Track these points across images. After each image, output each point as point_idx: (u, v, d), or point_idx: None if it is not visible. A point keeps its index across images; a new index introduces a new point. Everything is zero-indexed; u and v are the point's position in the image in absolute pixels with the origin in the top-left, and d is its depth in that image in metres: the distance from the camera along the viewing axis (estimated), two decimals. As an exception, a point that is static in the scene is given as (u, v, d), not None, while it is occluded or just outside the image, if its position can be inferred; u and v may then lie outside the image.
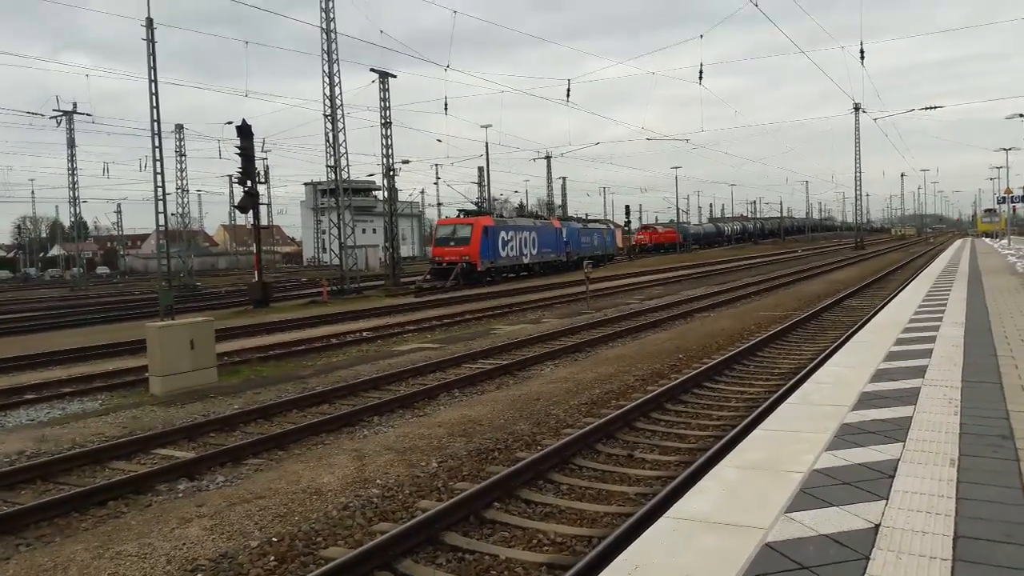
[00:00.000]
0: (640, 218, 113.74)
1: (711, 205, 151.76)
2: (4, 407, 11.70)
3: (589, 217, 67.78)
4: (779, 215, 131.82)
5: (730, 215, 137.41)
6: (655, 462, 7.72)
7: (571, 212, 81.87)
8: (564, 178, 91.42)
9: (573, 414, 9.78)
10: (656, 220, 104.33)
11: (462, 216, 41.18)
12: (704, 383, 11.25)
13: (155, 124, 27.27)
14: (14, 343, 20.45)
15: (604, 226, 61.68)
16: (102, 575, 5.33)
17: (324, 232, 74.61)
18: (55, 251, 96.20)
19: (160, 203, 27.99)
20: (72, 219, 57.88)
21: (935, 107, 51.63)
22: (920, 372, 7.80)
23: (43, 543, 6.13)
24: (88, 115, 54.87)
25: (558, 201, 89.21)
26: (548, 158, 76.29)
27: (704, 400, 10.39)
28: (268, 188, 74.47)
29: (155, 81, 27.38)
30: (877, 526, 3.92)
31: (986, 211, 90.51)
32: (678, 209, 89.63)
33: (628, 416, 9.13)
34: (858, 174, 71.94)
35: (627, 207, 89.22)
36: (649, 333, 17.73)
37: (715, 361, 12.52)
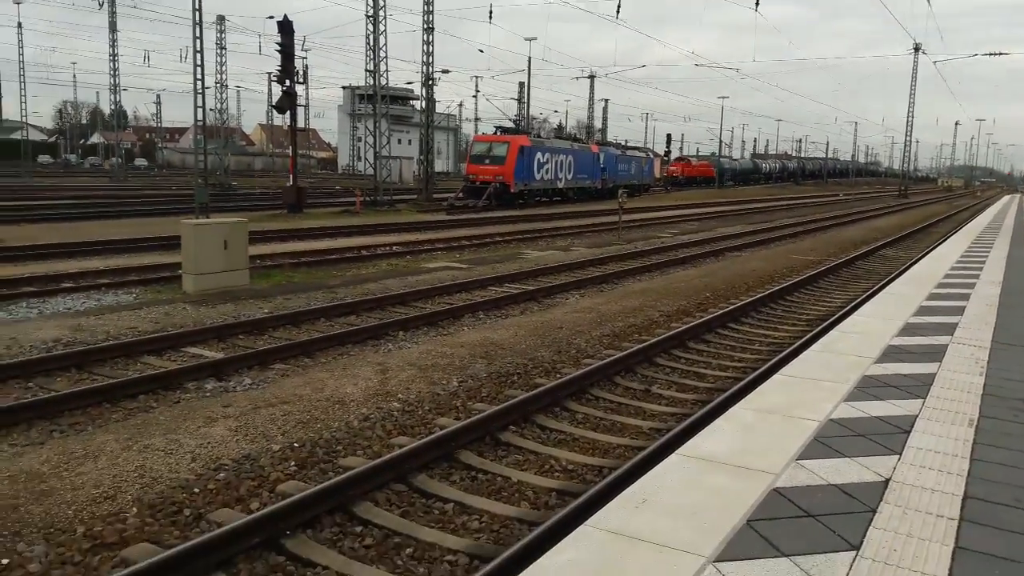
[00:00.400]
0: (681, 148, 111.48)
1: (755, 140, 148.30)
2: (42, 294, 12.05)
3: (628, 144, 66.65)
4: (824, 156, 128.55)
5: (774, 151, 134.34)
6: (672, 399, 7.80)
7: (611, 137, 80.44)
8: (606, 100, 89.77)
9: (595, 345, 9.85)
10: (697, 151, 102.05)
11: (499, 133, 40.66)
12: (729, 324, 11.23)
13: (196, 13, 26.92)
14: (55, 230, 20.90)
15: (643, 154, 60.62)
16: (130, 467, 5.58)
17: (360, 140, 74.35)
18: (95, 139, 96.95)
19: (199, 96, 27.92)
20: (112, 107, 58.01)
21: (1000, 53, 49.40)
22: (950, 329, 7.73)
23: (76, 431, 6.39)
24: (130, -2, 54.09)
25: (598, 124, 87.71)
26: (592, 78, 74.53)
27: (727, 341, 10.39)
28: (307, 89, 73.71)
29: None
30: (887, 480, 3.96)
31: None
32: (720, 141, 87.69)
33: (649, 351, 9.17)
34: (910, 119, 69.50)
35: (668, 136, 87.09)
36: (678, 269, 17.64)
37: (742, 302, 12.46)
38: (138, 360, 8.57)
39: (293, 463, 5.77)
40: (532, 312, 12.01)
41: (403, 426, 6.66)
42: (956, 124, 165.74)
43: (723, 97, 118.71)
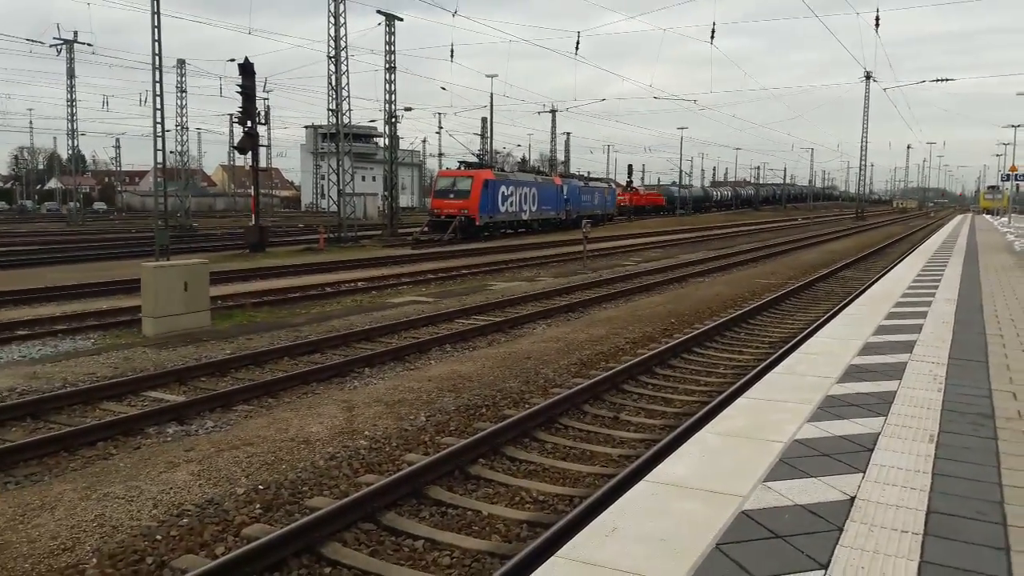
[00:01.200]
0: (643, 178, 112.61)
1: (715, 168, 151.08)
2: (-4, 342, 11.74)
3: (591, 175, 67.37)
4: (782, 181, 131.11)
5: (733, 179, 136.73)
6: (640, 425, 7.81)
7: (574, 169, 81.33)
8: (568, 134, 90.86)
9: (562, 374, 9.85)
10: (659, 181, 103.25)
11: (463, 168, 40.89)
12: (694, 348, 11.33)
13: (156, 58, 26.81)
14: (8, 277, 20.44)
15: (605, 185, 61.35)
16: (88, 516, 5.42)
17: (323, 178, 74.18)
18: (52, 184, 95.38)
19: (159, 140, 27.69)
20: (70, 152, 57.29)
21: (946, 79, 51.05)
22: (909, 347, 7.86)
23: (31, 481, 6.21)
24: (89, 45, 53.79)
25: (561, 157, 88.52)
26: (553, 112, 75.42)
27: (692, 365, 10.47)
28: (268, 129, 73.43)
29: (158, 13, 26.85)
30: (853, 498, 3.99)
31: (989, 188, 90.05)
32: (681, 171, 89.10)
33: (616, 378, 9.20)
34: (864, 143, 71.41)
35: (630, 166, 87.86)
36: (643, 296, 17.78)
37: (706, 327, 12.58)
38: (97, 407, 8.37)
39: (258, 506, 5.65)
40: (499, 343, 11.99)
41: (370, 464, 6.57)
42: (908, 148, 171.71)
43: (682, 128, 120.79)
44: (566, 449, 7.08)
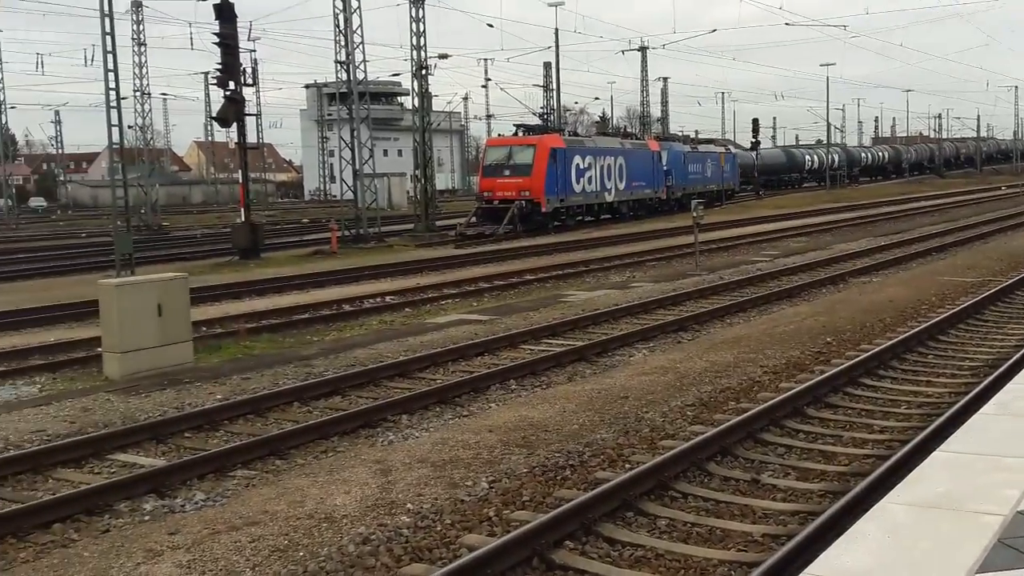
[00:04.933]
0: (773, 138, 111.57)
1: (877, 119, 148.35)
2: (-84, 391, 12.24)
3: (700, 137, 66.97)
4: (975, 134, 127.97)
5: (903, 133, 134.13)
6: (791, 491, 7.74)
7: (675, 128, 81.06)
8: (665, 79, 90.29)
9: (675, 419, 9.83)
10: (797, 140, 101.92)
11: (522, 134, 41.08)
12: (861, 379, 11.19)
13: (105, 1, 27.63)
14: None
15: (722, 149, 60.97)
16: (49, 624, 5.61)
17: (332, 154, 75.43)
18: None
19: (113, 111, 28.47)
20: (-6, 130, 59.39)
21: None
22: None
23: (-31, 578, 6.45)
24: (14, -13, 55.71)
25: (656, 112, 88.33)
26: (643, 50, 75.47)
27: (861, 404, 10.35)
28: (257, 92, 74.63)
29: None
30: (1107, 597, 3.89)
31: None
32: (829, 124, 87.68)
33: (752, 424, 9.15)
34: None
35: (755, 121, 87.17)
36: (784, 305, 17.65)
37: (878, 348, 12.43)
38: (50, 476, 8.64)
39: (270, 609, 5.77)
40: (584, 378, 12.02)
41: (417, 549, 6.64)
42: None
43: (827, 64, 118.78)
44: (686, 527, 7.04)
